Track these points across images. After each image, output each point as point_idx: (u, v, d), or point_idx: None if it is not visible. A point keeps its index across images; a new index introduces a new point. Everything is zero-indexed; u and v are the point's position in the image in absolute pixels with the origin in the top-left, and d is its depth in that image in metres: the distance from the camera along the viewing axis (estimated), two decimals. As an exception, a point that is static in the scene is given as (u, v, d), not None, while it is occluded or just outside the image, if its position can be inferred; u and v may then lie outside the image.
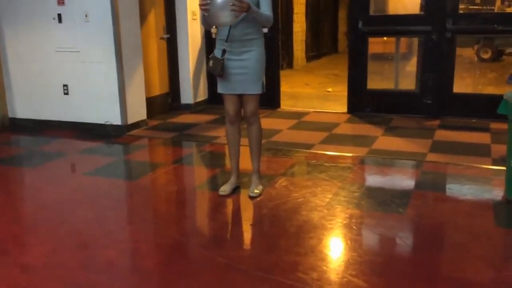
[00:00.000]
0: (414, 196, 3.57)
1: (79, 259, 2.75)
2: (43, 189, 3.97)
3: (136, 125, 5.57)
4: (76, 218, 3.36)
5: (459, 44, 5.78)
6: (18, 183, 4.33)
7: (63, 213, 3.45)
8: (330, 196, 3.55)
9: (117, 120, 5.41)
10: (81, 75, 5.46)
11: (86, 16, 5.25)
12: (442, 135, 5.13)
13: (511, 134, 3.31)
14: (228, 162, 3.93)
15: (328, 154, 4.55)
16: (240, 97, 3.49)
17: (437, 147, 4.71)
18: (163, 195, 3.88)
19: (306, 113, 6.25)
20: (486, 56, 9.70)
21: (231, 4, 3.04)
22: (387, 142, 4.93)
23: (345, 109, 6.22)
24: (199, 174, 4.44)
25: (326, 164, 4.26)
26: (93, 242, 2.99)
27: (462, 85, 6.08)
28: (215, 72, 3.43)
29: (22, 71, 5.75)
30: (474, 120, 5.58)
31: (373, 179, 4.11)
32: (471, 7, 8.65)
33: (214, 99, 6.60)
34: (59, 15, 5.38)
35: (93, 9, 5.21)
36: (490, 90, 6.57)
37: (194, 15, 6.39)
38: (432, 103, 5.82)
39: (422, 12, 5.80)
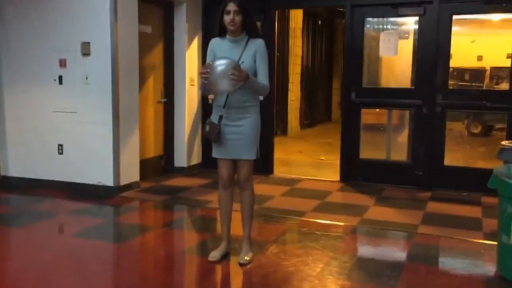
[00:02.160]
0: (406, 269, 3.52)
1: (60, 325, 2.65)
2: (29, 249, 3.88)
3: (128, 186, 5.55)
4: (60, 281, 3.27)
5: (449, 118, 5.94)
6: (4, 243, 4.24)
7: (47, 275, 3.35)
8: (321, 265, 3.49)
9: (109, 181, 5.39)
10: (76, 136, 5.51)
11: (86, 78, 5.38)
12: (434, 207, 5.14)
13: (501, 209, 3.33)
14: (219, 227, 3.90)
15: (320, 222, 4.52)
16: (234, 162, 3.52)
17: (429, 219, 4.70)
18: (151, 260, 3.81)
19: (299, 180, 6.27)
20: (476, 131, 9.88)
21: (230, 73, 3.15)
22: (379, 212, 4.92)
23: (337, 178, 6.26)
24: (189, 238, 4.38)
25: (317, 232, 4.23)
26: (76, 307, 2.89)
27: (453, 158, 6.17)
28: (211, 137, 3.48)
29: (19, 130, 5.80)
30: (465, 193, 5.60)
31: (365, 250, 4.06)
32: (460, 83, 8.93)
33: (208, 163, 6.62)
34: (60, 77, 5.50)
35: (94, 72, 5.35)
36: (481, 164, 6.65)
37: (192, 81, 6.56)
38: (424, 174, 5.88)
39: (412, 87, 5.99)
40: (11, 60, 5.72)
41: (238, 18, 3.35)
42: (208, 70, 3.20)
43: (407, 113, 6.15)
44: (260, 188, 5.49)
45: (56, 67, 5.50)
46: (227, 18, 3.35)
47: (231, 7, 3.34)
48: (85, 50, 5.33)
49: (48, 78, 5.56)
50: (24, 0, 5.56)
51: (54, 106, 5.57)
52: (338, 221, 4.56)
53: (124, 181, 5.48)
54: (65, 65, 5.47)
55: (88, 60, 5.36)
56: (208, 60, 3.43)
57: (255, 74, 3.41)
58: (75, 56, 5.39)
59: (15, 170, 5.86)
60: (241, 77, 3.21)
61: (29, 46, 5.61)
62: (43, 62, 5.55)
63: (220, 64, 3.19)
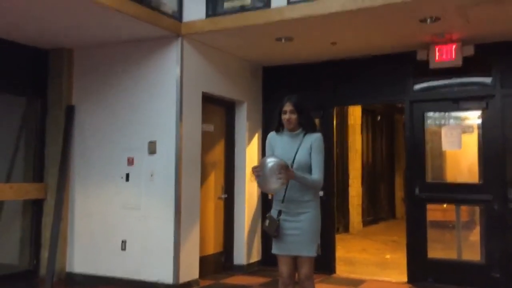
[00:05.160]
0: None
1: None
2: None
3: (188, 284, 5.48)
4: None
5: (525, 214, 5.56)
6: None
7: None
8: None
9: (169, 279, 5.36)
10: (139, 231, 5.61)
11: (151, 175, 5.59)
12: (516, 313, 4.66)
13: None
14: (279, 330, 3.69)
15: (387, 328, 4.19)
16: (295, 259, 3.42)
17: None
18: None
19: (363, 281, 5.95)
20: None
21: (278, 173, 3.20)
22: (453, 317, 4.51)
23: (405, 278, 5.89)
24: None
25: None
26: None
27: (533, 258, 5.67)
28: (270, 232, 3.44)
29: (86, 225, 5.99)
30: (551, 298, 5.08)
31: None
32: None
33: (268, 261, 6.47)
34: (127, 175, 5.75)
35: (158, 169, 5.56)
36: None
37: (252, 176, 6.64)
38: (501, 277, 5.42)
39: (481, 181, 5.73)
40: (84, 159, 6.07)
41: (293, 117, 3.48)
42: (259, 168, 3.29)
43: (477, 209, 5.83)
44: (322, 288, 5.24)
45: (124, 165, 5.77)
46: (284, 117, 3.49)
47: (287, 107, 3.49)
48: (152, 149, 5.61)
49: (116, 175, 5.82)
50: (99, 103, 6.02)
51: (121, 202, 5.77)
52: (408, 327, 4.21)
53: (183, 278, 5.43)
54: (132, 163, 5.73)
55: (153, 158, 5.60)
56: (267, 153, 3.54)
57: (310, 168, 3.42)
58: (142, 155, 5.67)
59: (80, 266, 5.96)
60: (288, 175, 3.26)
61: (101, 146, 5.97)
62: (113, 160, 5.85)
63: (270, 162, 3.29)
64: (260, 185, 3.41)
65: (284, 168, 3.25)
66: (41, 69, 6.13)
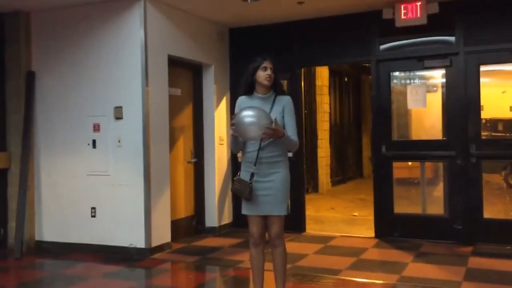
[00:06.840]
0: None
1: None
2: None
3: (160, 248, 5.52)
4: None
5: (485, 170, 5.77)
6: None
7: None
8: (360, 327, 3.32)
9: (141, 243, 5.37)
10: (109, 198, 5.57)
11: (119, 141, 5.51)
12: (476, 262, 4.89)
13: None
14: (251, 288, 3.78)
15: (356, 281, 4.35)
16: (265, 218, 3.47)
17: (472, 275, 4.47)
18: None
19: (333, 238, 6.12)
20: (514, 181, 9.53)
21: (262, 131, 3.18)
22: (418, 269, 4.71)
23: (372, 234, 6.08)
24: (221, 300, 4.26)
25: (354, 291, 4.06)
26: None
27: (493, 211, 5.93)
28: (242, 195, 3.45)
29: (53, 194, 5.90)
30: (508, 247, 5.34)
31: (406, 309, 3.86)
32: (494, 134, 8.72)
33: (239, 223, 6.56)
34: (94, 141, 5.65)
35: (126, 135, 5.48)
36: (523, 216, 6.39)
37: (221, 140, 6.64)
38: (463, 228, 5.66)
39: (444, 138, 5.89)
40: (47, 126, 5.92)
41: (273, 75, 3.44)
42: (236, 117, 3.25)
43: (440, 165, 6.02)
44: (293, 246, 5.36)
45: (90, 132, 5.67)
46: (263, 74, 3.43)
47: (268, 64, 3.44)
48: (118, 114, 5.50)
49: (82, 142, 5.71)
50: (60, 69, 5.84)
51: (88, 169, 5.69)
52: (375, 279, 4.37)
53: (155, 242, 5.46)
54: (98, 129, 5.63)
55: (120, 124, 5.51)
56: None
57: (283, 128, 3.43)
58: (108, 120, 5.56)
59: (49, 235, 5.91)
60: (273, 135, 3.24)
61: (65, 113, 5.82)
62: (79, 127, 5.73)
63: (256, 115, 3.21)
64: (238, 134, 3.31)
65: (276, 124, 3.25)
66: (-3, 34, 5.88)
